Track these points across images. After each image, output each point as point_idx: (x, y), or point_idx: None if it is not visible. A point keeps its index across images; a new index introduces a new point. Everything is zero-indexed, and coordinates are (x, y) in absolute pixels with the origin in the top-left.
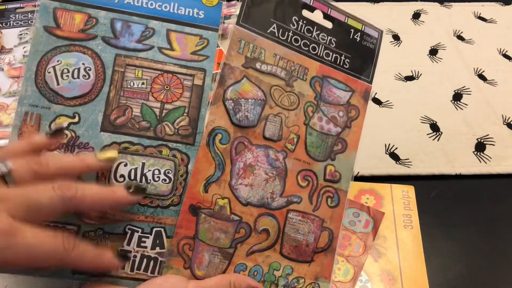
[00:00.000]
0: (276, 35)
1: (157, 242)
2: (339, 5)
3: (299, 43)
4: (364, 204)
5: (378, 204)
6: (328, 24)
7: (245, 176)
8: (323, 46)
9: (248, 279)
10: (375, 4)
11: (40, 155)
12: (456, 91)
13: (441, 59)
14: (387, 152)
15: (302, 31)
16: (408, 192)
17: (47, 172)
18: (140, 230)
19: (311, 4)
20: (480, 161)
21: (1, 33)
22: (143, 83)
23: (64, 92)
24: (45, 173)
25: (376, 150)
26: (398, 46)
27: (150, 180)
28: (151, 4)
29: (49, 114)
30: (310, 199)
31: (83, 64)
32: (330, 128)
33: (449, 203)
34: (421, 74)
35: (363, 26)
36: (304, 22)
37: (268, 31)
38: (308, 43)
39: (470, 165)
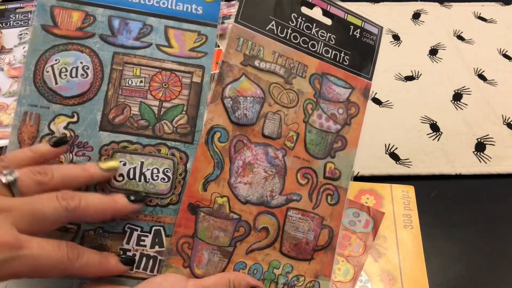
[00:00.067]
0: (275, 32)
1: (156, 240)
2: (339, 3)
3: (298, 40)
4: (364, 204)
5: (378, 204)
6: (328, 21)
7: (244, 174)
8: (323, 43)
9: (247, 278)
10: (375, 4)
11: (44, 165)
12: (456, 91)
13: (441, 59)
14: (387, 152)
15: (301, 28)
16: (408, 192)
17: (51, 183)
18: (139, 229)
19: (310, 0)
20: (480, 161)
21: (1, 33)
22: (141, 81)
23: (62, 91)
24: (49, 184)
25: (376, 150)
26: (398, 46)
27: (149, 179)
28: (149, 1)
29: (48, 114)
30: (310, 197)
31: (81, 62)
32: (330, 125)
33: (449, 203)
34: (421, 74)
35: (363, 23)
36: (303, 19)
37: (267, 28)
38: (308, 40)
39: (470, 165)
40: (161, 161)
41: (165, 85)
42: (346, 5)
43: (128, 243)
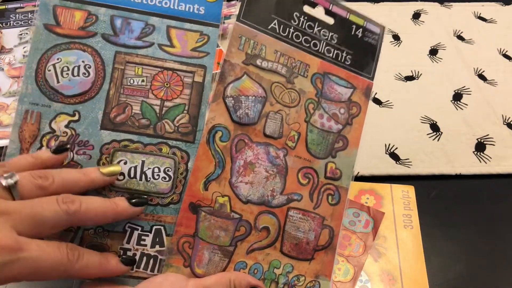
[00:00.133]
0: (277, 31)
1: (157, 240)
2: (341, 2)
3: (300, 39)
4: (364, 204)
5: (378, 204)
6: (330, 20)
7: (246, 173)
8: (325, 43)
9: (248, 277)
10: (375, 4)
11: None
12: (456, 91)
13: (441, 59)
14: (387, 152)
15: (303, 27)
16: (408, 192)
17: (52, 187)
18: (139, 228)
19: None
20: (480, 161)
21: (1, 33)
22: (143, 81)
23: (64, 90)
24: (49, 188)
25: (376, 150)
26: (398, 46)
27: (149, 178)
28: (151, 0)
29: (50, 112)
30: (311, 197)
31: (83, 61)
32: (331, 125)
33: (449, 203)
34: (421, 74)
35: (365, 22)
36: (306, 18)
37: (269, 27)
38: (310, 40)
39: (470, 165)
40: (162, 160)
41: (167, 84)
42: (347, 4)
43: (128, 242)
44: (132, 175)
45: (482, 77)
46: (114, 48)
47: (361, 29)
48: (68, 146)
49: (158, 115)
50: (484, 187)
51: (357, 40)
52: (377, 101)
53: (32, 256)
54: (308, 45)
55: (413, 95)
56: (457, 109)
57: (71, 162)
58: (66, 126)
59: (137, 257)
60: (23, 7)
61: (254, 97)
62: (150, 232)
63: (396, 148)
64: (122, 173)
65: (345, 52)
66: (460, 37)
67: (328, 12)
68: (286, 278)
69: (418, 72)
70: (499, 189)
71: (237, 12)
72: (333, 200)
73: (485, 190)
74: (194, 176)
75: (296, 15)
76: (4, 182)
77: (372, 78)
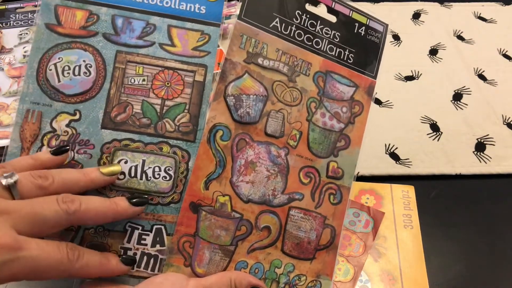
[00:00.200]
0: (279, 29)
1: (157, 239)
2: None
3: (302, 37)
4: (364, 204)
5: (378, 204)
6: (332, 18)
7: (246, 173)
8: (327, 41)
9: (249, 277)
10: (375, 4)
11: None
12: (456, 91)
13: (441, 59)
14: (387, 152)
15: (305, 25)
16: (408, 192)
17: (51, 187)
18: (140, 228)
19: None
20: (480, 161)
21: (1, 33)
22: (143, 80)
23: (65, 89)
24: (49, 188)
25: (376, 150)
26: (398, 46)
27: (150, 177)
28: (152, 0)
29: (50, 112)
30: (312, 196)
31: (84, 61)
32: (333, 124)
33: (449, 203)
34: (421, 74)
35: (368, 20)
36: (308, 16)
37: (270, 26)
38: (312, 38)
39: (470, 165)
40: (163, 160)
41: (168, 83)
42: (349, 3)
43: (129, 241)
44: (132, 174)
45: (482, 77)
46: (115, 47)
47: (363, 27)
48: (68, 147)
49: (158, 114)
50: (484, 187)
51: (359, 38)
52: (377, 101)
53: (31, 255)
54: (310, 43)
55: (413, 95)
56: (457, 109)
57: (71, 161)
58: (67, 125)
59: (137, 257)
60: (23, 7)
61: (255, 96)
62: (151, 232)
63: (396, 148)
64: (122, 172)
65: (347, 50)
66: (460, 37)
67: (330, 10)
68: (287, 277)
69: (418, 72)
70: (499, 189)
71: (237, 12)
72: (334, 199)
73: (485, 190)
74: (194, 176)
75: (298, 13)
76: (4, 182)
77: (375, 77)
